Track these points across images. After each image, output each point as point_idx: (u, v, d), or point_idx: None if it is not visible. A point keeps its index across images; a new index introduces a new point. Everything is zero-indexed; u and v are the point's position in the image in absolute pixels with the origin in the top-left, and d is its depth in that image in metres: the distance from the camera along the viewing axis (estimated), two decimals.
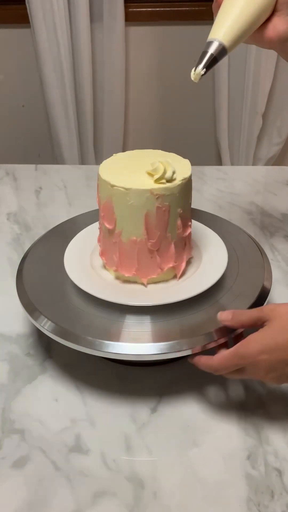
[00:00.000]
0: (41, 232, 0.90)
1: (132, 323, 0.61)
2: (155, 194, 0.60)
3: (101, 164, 0.65)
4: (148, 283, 0.66)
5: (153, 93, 2.00)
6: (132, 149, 0.70)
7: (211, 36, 0.59)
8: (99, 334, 0.60)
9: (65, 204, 1.09)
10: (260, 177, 1.20)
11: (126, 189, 0.60)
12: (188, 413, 0.61)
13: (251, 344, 0.53)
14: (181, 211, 0.63)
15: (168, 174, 0.60)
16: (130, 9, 1.82)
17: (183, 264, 0.67)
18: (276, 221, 1.00)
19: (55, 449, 0.58)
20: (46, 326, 0.62)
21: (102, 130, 1.99)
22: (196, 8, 1.80)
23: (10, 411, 0.62)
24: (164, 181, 0.60)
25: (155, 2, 1.85)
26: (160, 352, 0.58)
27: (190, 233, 0.68)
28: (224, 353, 0.55)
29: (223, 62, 1.81)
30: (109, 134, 1.99)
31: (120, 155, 0.68)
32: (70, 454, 0.57)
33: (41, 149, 2.10)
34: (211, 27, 0.60)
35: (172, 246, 0.64)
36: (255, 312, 0.56)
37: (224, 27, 0.59)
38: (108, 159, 0.67)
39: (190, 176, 0.64)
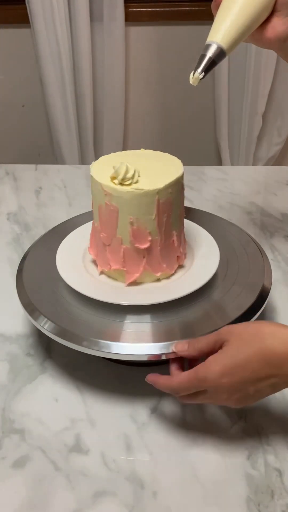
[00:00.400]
0: (41, 232, 0.90)
1: (132, 323, 0.61)
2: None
3: (92, 164, 0.66)
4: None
5: (153, 93, 2.00)
6: (132, 149, 0.70)
7: (209, 39, 0.59)
8: (99, 334, 0.60)
9: (65, 204, 1.09)
10: (260, 177, 1.20)
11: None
12: (188, 413, 0.61)
13: (212, 365, 0.51)
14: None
15: (129, 175, 0.60)
16: (130, 9, 1.82)
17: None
18: (276, 221, 1.00)
19: (55, 449, 0.58)
20: (46, 326, 0.62)
21: (102, 130, 1.99)
22: (196, 8, 1.80)
23: (10, 411, 0.62)
24: (129, 182, 0.60)
25: (155, 2, 1.85)
26: (160, 352, 0.58)
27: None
28: (183, 374, 0.53)
29: (223, 62, 1.80)
30: (109, 134, 1.99)
31: (112, 155, 0.68)
32: (70, 454, 0.57)
33: (41, 149, 2.10)
34: (210, 28, 0.60)
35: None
36: (212, 336, 0.54)
37: (222, 30, 0.58)
38: (99, 159, 0.67)
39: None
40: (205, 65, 0.58)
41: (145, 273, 0.65)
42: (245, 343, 0.50)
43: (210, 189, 1.13)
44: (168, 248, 0.66)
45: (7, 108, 2.04)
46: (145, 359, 0.58)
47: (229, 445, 0.58)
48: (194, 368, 0.52)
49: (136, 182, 0.61)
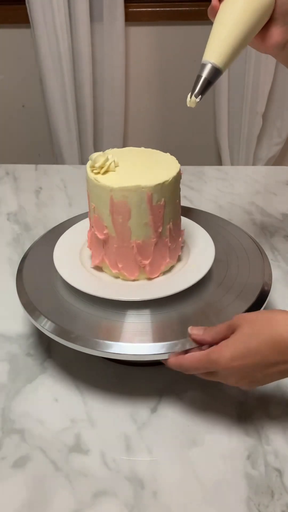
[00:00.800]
0: (41, 232, 0.90)
1: (132, 323, 0.61)
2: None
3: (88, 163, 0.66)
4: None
5: (153, 93, 2.00)
6: None
7: (204, 58, 0.59)
8: (99, 334, 0.60)
9: (65, 204, 1.09)
10: (260, 177, 1.20)
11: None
12: (188, 413, 0.61)
13: (223, 349, 0.52)
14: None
15: (100, 164, 0.62)
16: (130, 9, 1.82)
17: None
18: (276, 221, 1.00)
19: (55, 449, 0.58)
20: (46, 326, 0.62)
21: (102, 130, 1.99)
22: (196, 8, 1.80)
23: (10, 411, 0.62)
24: (103, 170, 0.62)
25: (155, 2, 1.85)
26: (160, 352, 0.58)
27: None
28: (195, 354, 0.55)
29: None
30: (109, 134, 1.99)
31: (115, 150, 0.69)
32: (70, 454, 0.57)
33: (41, 149, 2.10)
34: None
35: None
36: (225, 323, 0.55)
37: (217, 48, 0.59)
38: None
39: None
40: (201, 87, 0.59)
41: (103, 264, 0.67)
42: (257, 329, 0.51)
43: (210, 189, 1.13)
44: (125, 250, 0.64)
45: (7, 108, 2.04)
46: (145, 359, 0.58)
47: (229, 445, 0.58)
48: (207, 350, 0.54)
49: (112, 171, 0.63)
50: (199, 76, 0.59)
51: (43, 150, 2.10)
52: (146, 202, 0.61)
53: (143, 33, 1.89)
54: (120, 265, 0.66)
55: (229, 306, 0.63)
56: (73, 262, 0.69)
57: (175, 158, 0.66)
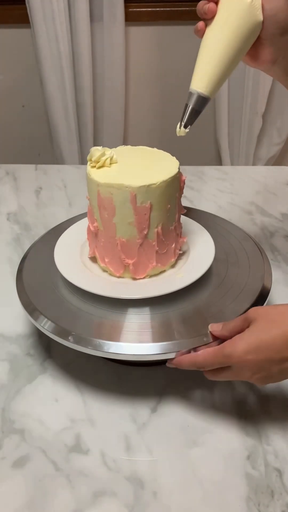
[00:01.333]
0: (41, 232, 0.90)
1: (132, 323, 0.61)
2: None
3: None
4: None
5: (153, 93, 2.00)
6: None
7: (191, 86, 0.60)
8: (99, 334, 0.60)
9: (65, 204, 1.09)
10: (260, 177, 1.20)
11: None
12: (188, 413, 0.61)
13: (237, 343, 0.52)
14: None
15: (105, 157, 0.63)
16: (130, 9, 1.82)
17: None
18: (276, 221, 1.00)
19: (55, 449, 0.58)
20: (46, 326, 0.62)
21: (102, 130, 1.99)
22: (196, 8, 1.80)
23: (10, 411, 0.62)
24: (99, 165, 0.63)
25: (155, 2, 1.85)
26: (160, 352, 0.58)
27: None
28: (209, 350, 0.55)
29: None
30: (109, 134, 1.99)
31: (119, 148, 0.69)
32: (70, 454, 0.57)
33: (41, 149, 2.10)
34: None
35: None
36: (241, 317, 0.55)
37: (203, 77, 0.58)
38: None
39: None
40: (189, 118, 0.60)
41: (95, 256, 0.68)
42: (271, 323, 0.51)
43: (210, 189, 1.13)
44: (111, 245, 0.65)
45: (7, 108, 2.04)
46: (145, 359, 0.58)
47: (229, 445, 0.58)
48: (221, 344, 0.54)
49: (107, 167, 0.64)
50: (186, 105, 0.60)
51: (43, 150, 2.10)
52: (130, 201, 0.61)
53: (143, 33, 1.89)
54: (106, 260, 0.67)
55: (229, 306, 0.63)
56: (74, 260, 0.70)
57: (177, 163, 0.65)
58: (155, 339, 0.59)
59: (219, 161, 2.09)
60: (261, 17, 0.56)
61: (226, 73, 0.59)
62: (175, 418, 0.61)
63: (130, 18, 1.82)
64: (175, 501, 0.52)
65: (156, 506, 0.52)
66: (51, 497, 0.53)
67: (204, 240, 0.71)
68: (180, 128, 0.61)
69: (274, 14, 0.55)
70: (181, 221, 0.70)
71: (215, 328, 0.58)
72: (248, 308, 0.62)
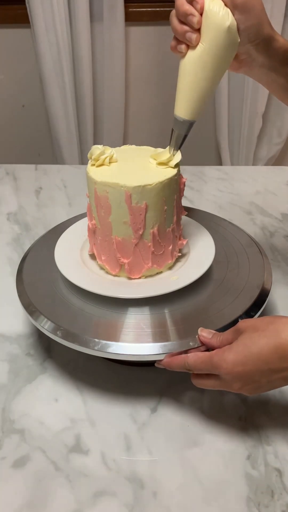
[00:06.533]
0: (41, 232, 0.90)
1: (132, 323, 0.61)
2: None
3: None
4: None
5: (153, 93, 2.00)
6: None
7: (175, 113, 0.63)
8: (99, 334, 0.60)
9: (65, 204, 1.09)
10: (260, 177, 1.20)
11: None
12: (188, 413, 0.61)
13: (225, 353, 0.52)
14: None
15: (95, 155, 0.64)
16: (130, 9, 1.82)
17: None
18: (276, 221, 1.00)
19: (55, 449, 0.58)
20: (46, 326, 0.62)
21: (102, 130, 1.99)
22: None
23: (10, 411, 0.62)
24: (98, 163, 0.64)
25: (155, 2, 1.85)
26: (160, 352, 0.58)
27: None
28: (200, 354, 0.55)
29: None
30: (109, 134, 1.99)
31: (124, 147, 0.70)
32: (70, 454, 0.57)
33: (41, 149, 2.10)
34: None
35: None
36: (231, 329, 0.55)
37: (186, 104, 0.61)
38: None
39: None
40: (177, 143, 0.64)
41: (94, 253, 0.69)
42: (259, 334, 0.51)
43: (210, 189, 1.13)
44: (107, 244, 0.65)
45: (7, 108, 2.04)
46: (145, 359, 0.58)
47: (229, 445, 0.58)
48: (211, 352, 0.54)
49: (106, 166, 0.64)
50: (173, 131, 0.63)
51: (43, 150, 2.10)
52: (125, 201, 0.61)
53: (143, 33, 1.89)
54: (103, 258, 0.67)
55: (229, 306, 0.63)
56: (74, 260, 0.70)
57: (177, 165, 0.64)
58: (155, 339, 0.59)
59: (219, 161, 2.09)
60: (238, 39, 0.56)
61: (209, 96, 0.61)
62: (175, 418, 0.61)
63: (130, 18, 1.82)
64: (175, 501, 0.52)
65: (156, 506, 0.52)
66: (51, 497, 0.53)
67: (204, 243, 0.71)
68: (171, 153, 0.64)
69: (248, 33, 0.56)
70: (181, 223, 0.70)
71: (204, 334, 0.57)
72: (248, 308, 0.62)
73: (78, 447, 0.58)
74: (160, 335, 0.59)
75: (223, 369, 0.52)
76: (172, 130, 0.63)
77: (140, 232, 0.63)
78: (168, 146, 0.64)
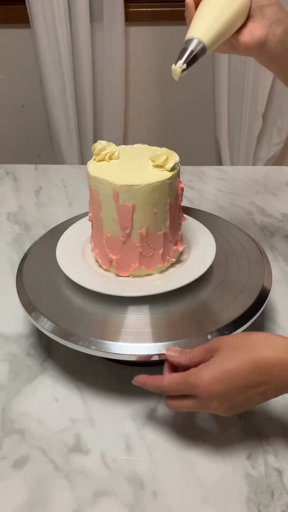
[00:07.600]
0: (41, 232, 0.90)
1: (132, 323, 0.61)
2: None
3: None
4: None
5: (153, 93, 2.00)
6: None
7: (190, 34, 0.58)
8: (99, 334, 0.60)
9: (65, 204, 1.09)
10: (260, 177, 1.20)
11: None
12: (188, 413, 0.61)
13: (202, 372, 0.51)
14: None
15: (97, 150, 0.66)
16: (130, 9, 1.82)
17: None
18: (276, 221, 1.00)
19: (55, 449, 0.58)
20: (46, 326, 0.62)
21: (102, 130, 1.99)
22: None
23: (10, 411, 0.62)
24: (98, 158, 0.66)
25: (155, 2, 1.85)
26: (160, 352, 0.58)
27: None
28: (175, 375, 0.53)
29: (224, 62, 1.81)
30: (109, 134, 1.99)
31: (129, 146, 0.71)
32: (70, 454, 0.57)
33: (41, 149, 2.10)
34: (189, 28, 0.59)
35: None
36: (203, 346, 0.54)
37: (203, 26, 0.58)
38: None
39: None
40: (187, 57, 0.57)
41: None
42: (235, 351, 0.51)
43: (210, 189, 1.13)
44: (99, 238, 0.66)
45: (7, 108, 2.04)
46: (145, 359, 0.58)
47: (229, 445, 0.58)
48: (187, 372, 0.52)
49: (106, 162, 0.66)
50: (184, 49, 0.57)
51: (43, 150, 2.10)
52: (113, 198, 0.61)
53: (143, 33, 1.89)
54: (96, 251, 0.68)
55: (229, 306, 0.63)
56: (76, 259, 0.70)
57: (174, 170, 0.63)
58: (155, 339, 0.59)
59: (219, 161, 2.09)
60: None
61: (223, 31, 0.58)
62: (175, 418, 0.61)
63: (130, 18, 1.82)
64: (175, 501, 0.52)
65: (156, 506, 0.52)
66: (51, 497, 0.53)
67: (203, 251, 0.70)
68: (176, 64, 0.58)
69: None
70: (181, 228, 0.69)
71: (171, 353, 0.56)
72: (248, 308, 0.62)
73: (78, 447, 0.58)
74: (160, 335, 0.59)
75: (200, 387, 0.50)
76: (182, 49, 0.58)
77: (127, 231, 0.63)
78: (165, 148, 0.65)
